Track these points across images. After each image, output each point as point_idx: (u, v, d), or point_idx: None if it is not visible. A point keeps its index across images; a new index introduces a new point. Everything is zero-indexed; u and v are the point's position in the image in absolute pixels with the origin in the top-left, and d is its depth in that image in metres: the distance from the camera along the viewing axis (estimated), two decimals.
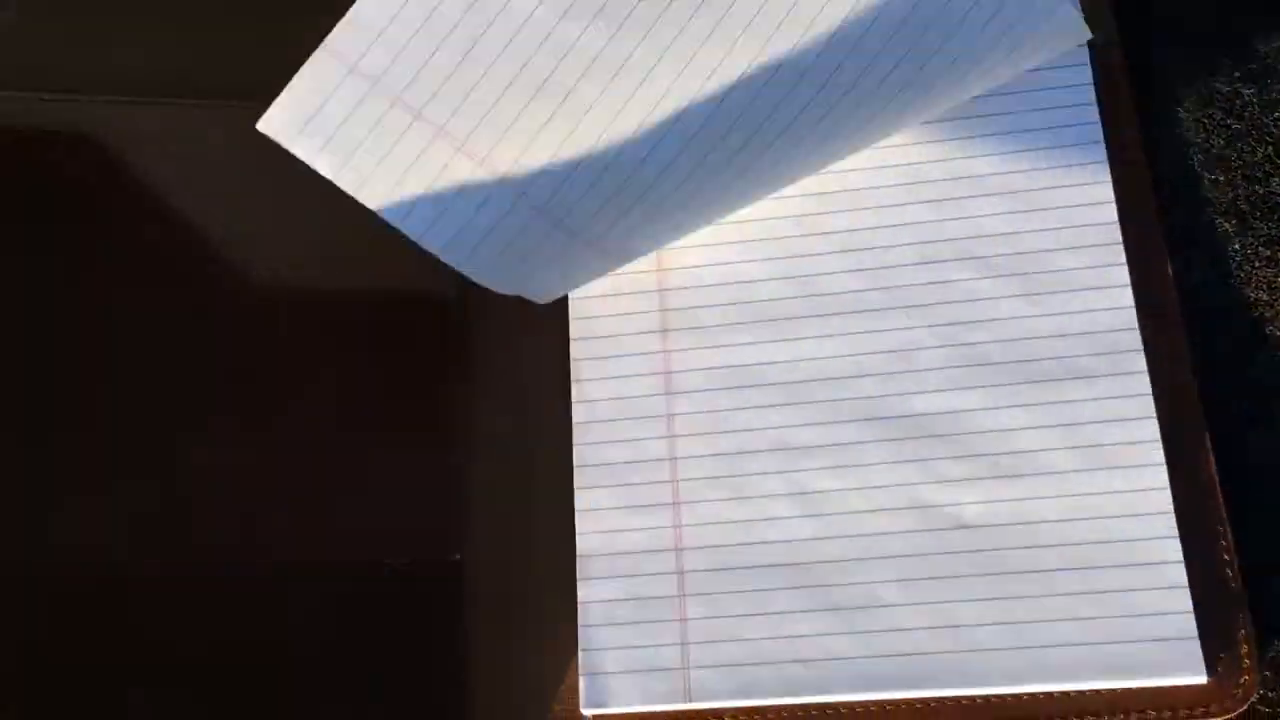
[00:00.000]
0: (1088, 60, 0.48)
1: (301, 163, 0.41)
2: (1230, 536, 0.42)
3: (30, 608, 0.44)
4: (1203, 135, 0.48)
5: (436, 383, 0.47)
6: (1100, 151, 0.47)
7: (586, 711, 0.43)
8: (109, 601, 0.44)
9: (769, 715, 0.42)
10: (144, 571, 0.45)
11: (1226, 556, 0.42)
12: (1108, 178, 0.46)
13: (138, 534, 0.45)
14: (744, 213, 0.48)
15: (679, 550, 0.44)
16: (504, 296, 0.45)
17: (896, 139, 0.48)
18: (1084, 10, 0.48)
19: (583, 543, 0.45)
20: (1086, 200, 0.46)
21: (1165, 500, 0.42)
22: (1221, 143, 0.48)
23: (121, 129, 0.50)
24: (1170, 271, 0.45)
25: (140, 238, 0.49)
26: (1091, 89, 0.47)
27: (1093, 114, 0.47)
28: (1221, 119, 0.48)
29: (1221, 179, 0.47)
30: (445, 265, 0.42)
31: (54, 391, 0.47)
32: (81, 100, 0.51)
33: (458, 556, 0.45)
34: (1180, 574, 0.41)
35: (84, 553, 0.44)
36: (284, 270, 0.49)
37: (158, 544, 0.45)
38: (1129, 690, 0.41)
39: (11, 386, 0.47)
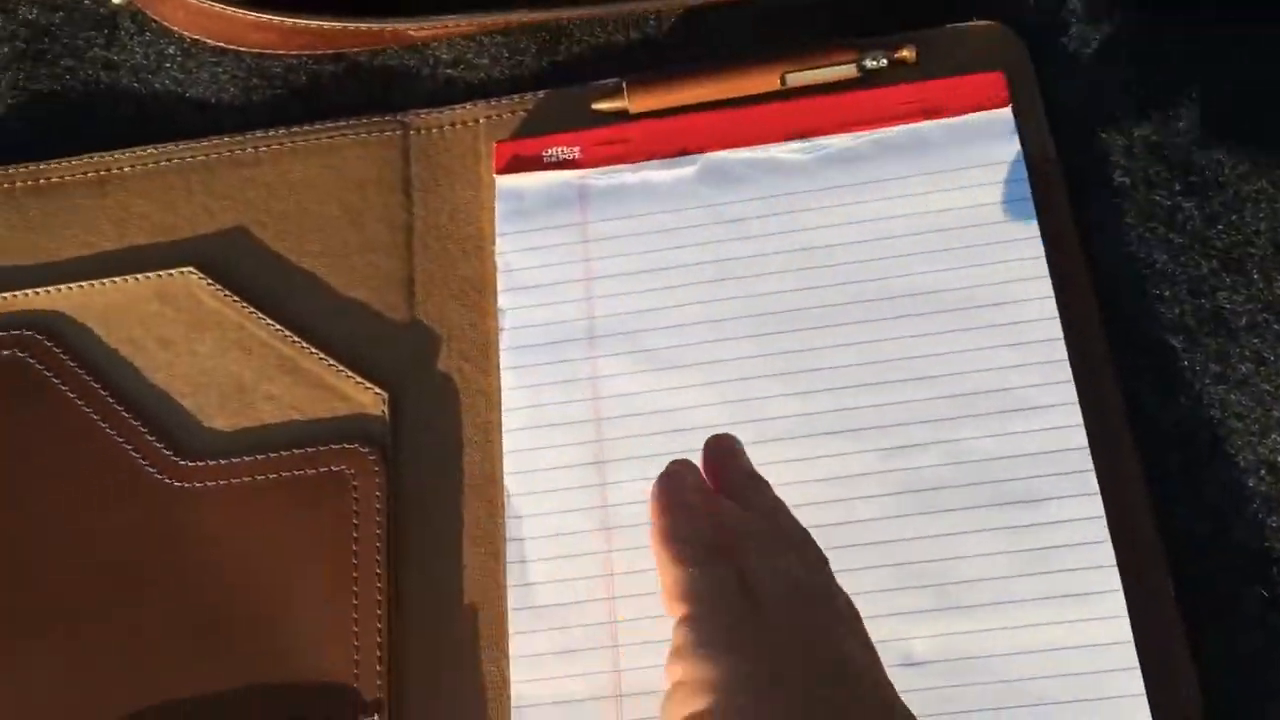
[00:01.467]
0: (1025, 177, 0.47)
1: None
2: (1192, 666, 0.40)
3: None
4: (1145, 250, 0.47)
5: (363, 534, 0.46)
6: (1042, 267, 0.46)
7: None
8: None
9: None
10: None
11: (1186, 691, 0.40)
12: (1050, 293, 0.45)
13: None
14: (685, 340, 0.47)
15: (619, 697, 0.42)
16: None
17: (840, 259, 0.47)
18: (1019, 125, 0.48)
19: (517, 691, 0.42)
20: (1030, 317, 0.45)
21: (1124, 629, 0.40)
22: (1164, 257, 0.47)
23: None
24: (1119, 390, 0.44)
25: None
26: (1031, 204, 0.47)
27: (1033, 229, 0.46)
28: (1164, 233, 0.47)
29: (1167, 294, 0.46)
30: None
31: None
32: None
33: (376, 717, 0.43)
34: (1142, 708, 0.39)
35: None
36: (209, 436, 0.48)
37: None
38: None
39: None
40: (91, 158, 0.54)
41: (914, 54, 0.50)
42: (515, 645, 0.43)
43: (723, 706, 0.32)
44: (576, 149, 0.51)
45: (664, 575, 0.36)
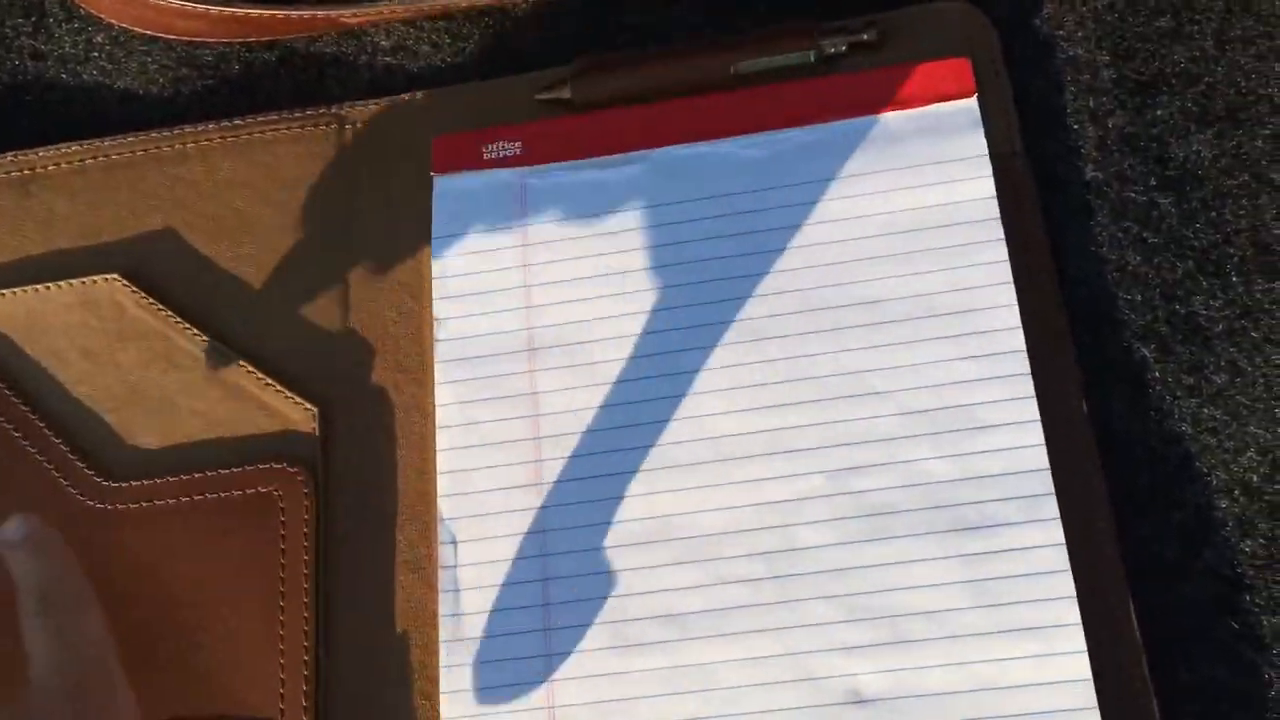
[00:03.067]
0: (989, 174, 0.44)
1: None
2: (1154, 705, 0.38)
3: None
4: (1117, 251, 0.44)
5: (290, 559, 0.43)
6: (1005, 272, 0.43)
7: None
8: None
9: None
10: None
11: None
12: (1013, 301, 0.42)
13: None
14: (628, 352, 0.44)
15: None
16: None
17: (794, 263, 0.44)
18: (985, 116, 0.45)
19: None
20: (991, 327, 0.42)
21: (1083, 666, 0.38)
22: (1137, 258, 0.44)
23: None
24: (1085, 406, 0.41)
25: None
26: (995, 204, 0.44)
27: (997, 230, 0.43)
28: (1137, 232, 0.44)
29: (1139, 299, 0.44)
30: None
31: None
32: None
33: None
34: None
35: None
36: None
37: None
38: None
39: None
40: (14, 156, 0.51)
41: (875, 37, 0.47)
42: (446, 680, 0.41)
43: None
44: (518, 144, 0.48)
45: None
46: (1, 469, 0.46)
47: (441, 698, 0.41)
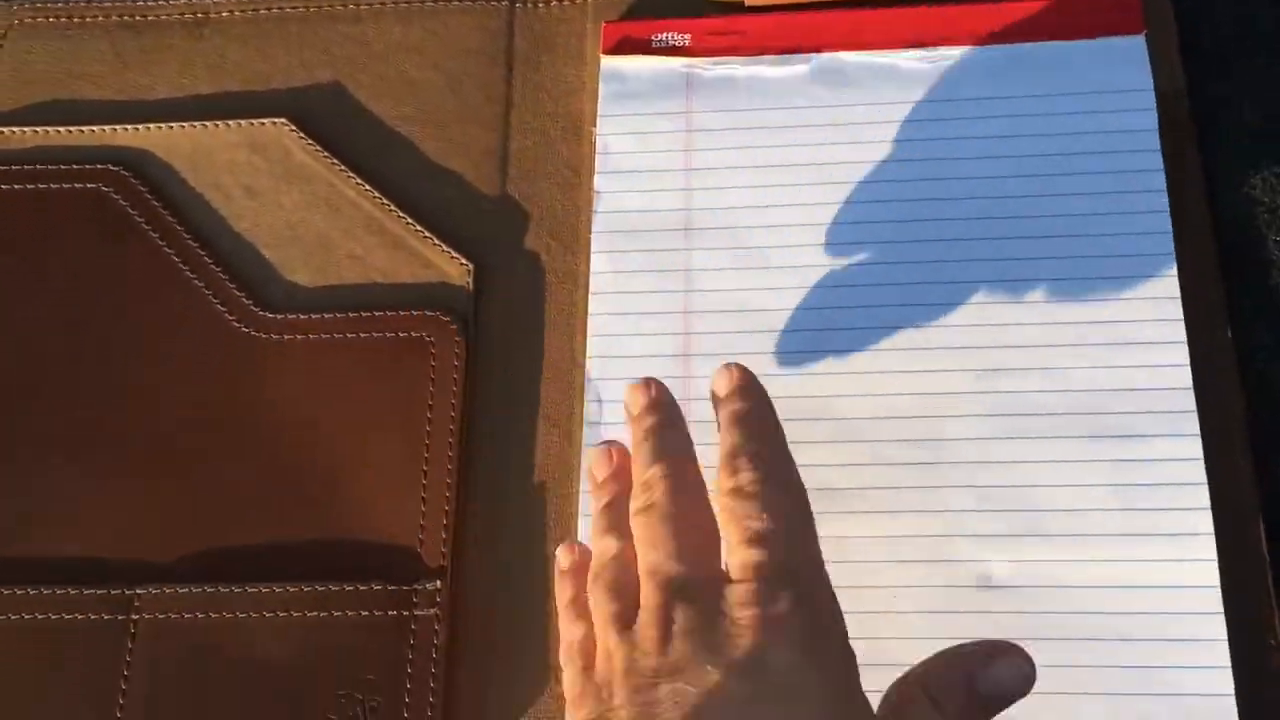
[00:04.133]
0: (1153, 108, 0.45)
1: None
2: (1278, 617, 0.39)
3: None
4: (1270, 196, 0.45)
5: (438, 402, 0.45)
6: (1162, 201, 0.44)
7: None
8: None
9: None
10: None
11: (1273, 641, 0.39)
12: (1169, 229, 0.44)
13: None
14: (784, 240, 0.45)
15: None
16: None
17: (953, 173, 0.46)
18: (1153, 61, 0.46)
19: None
20: (1145, 251, 0.44)
21: (1212, 573, 0.39)
22: None
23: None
24: (1229, 333, 0.43)
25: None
26: (1156, 137, 0.45)
27: (1156, 161, 0.45)
28: None
29: None
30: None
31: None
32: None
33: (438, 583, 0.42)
34: (1223, 653, 0.38)
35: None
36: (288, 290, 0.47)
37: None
38: None
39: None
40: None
41: None
42: (585, 528, 0.42)
43: None
44: (687, 36, 0.49)
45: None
46: (163, 295, 0.47)
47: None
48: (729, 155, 0.47)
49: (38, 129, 0.50)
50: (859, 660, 0.39)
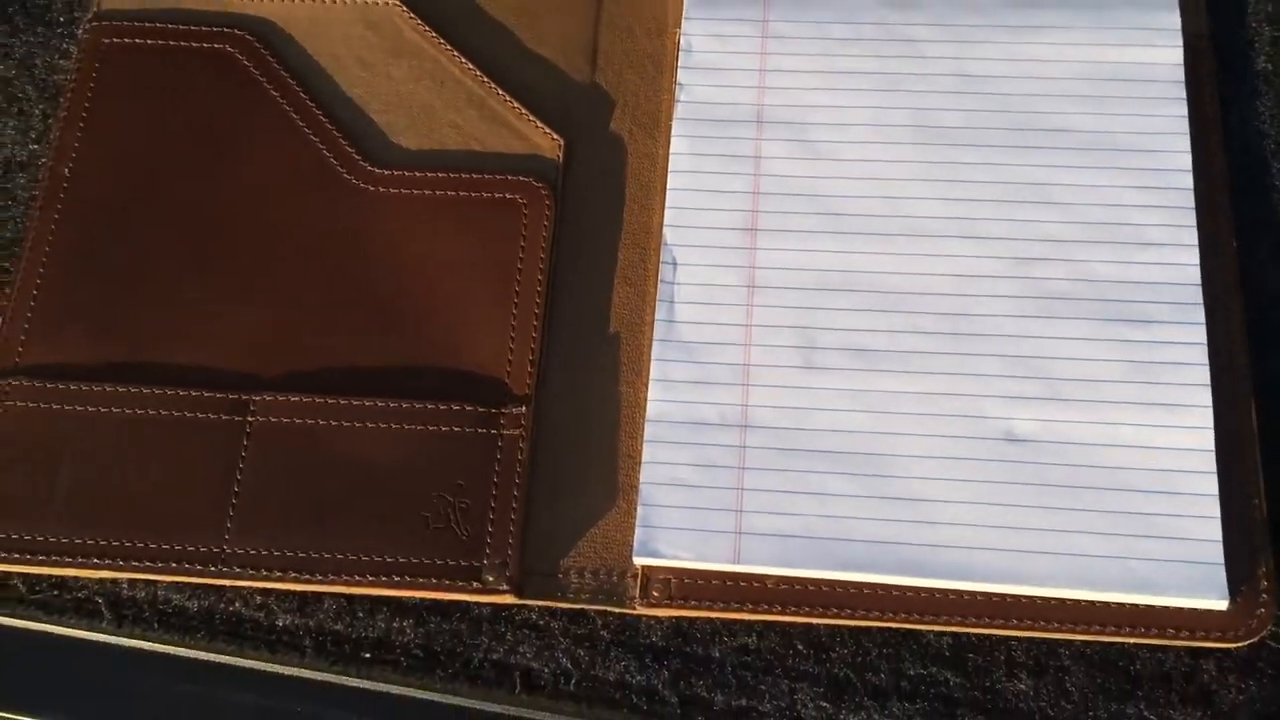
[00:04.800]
0: (1180, 45, 0.51)
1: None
2: (1263, 482, 0.45)
3: None
4: (1276, 129, 0.51)
5: (528, 256, 0.50)
6: (1184, 124, 0.50)
7: (638, 560, 0.45)
8: None
9: (809, 587, 0.45)
10: None
11: (1256, 500, 0.45)
12: (1188, 149, 0.49)
13: None
14: (846, 137, 0.51)
15: (744, 427, 0.47)
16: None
17: (994, 89, 0.51)
18: (1181, 6, 0.52)
19: (654, 408, 0.47)
20: (1165, 166, 0.49)
21: (1208, 439, 0.45)
22: None
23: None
24: (1235, 244, 0.48)
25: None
26: (1182, 69, 0.51)
27: (1180, 90, 0.50)
28: None
29: None
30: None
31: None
32: None
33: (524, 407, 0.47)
34: (1214, 505, 0.44)
35: None
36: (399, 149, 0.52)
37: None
38: (1151, 608, 0.43)
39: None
40: None
41: None
42: (656, 369, 0.48)
43: None
44: None
45: None
46: (282, 146, 0.52)
47: (651, 384, 0.47)
48: (800, 60, 0.52)
49: None
50: (896, 497, 0.45)
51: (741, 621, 0.45)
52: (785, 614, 0.45)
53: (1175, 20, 0.52)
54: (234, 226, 0.51)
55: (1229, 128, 0.51)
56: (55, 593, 0.47)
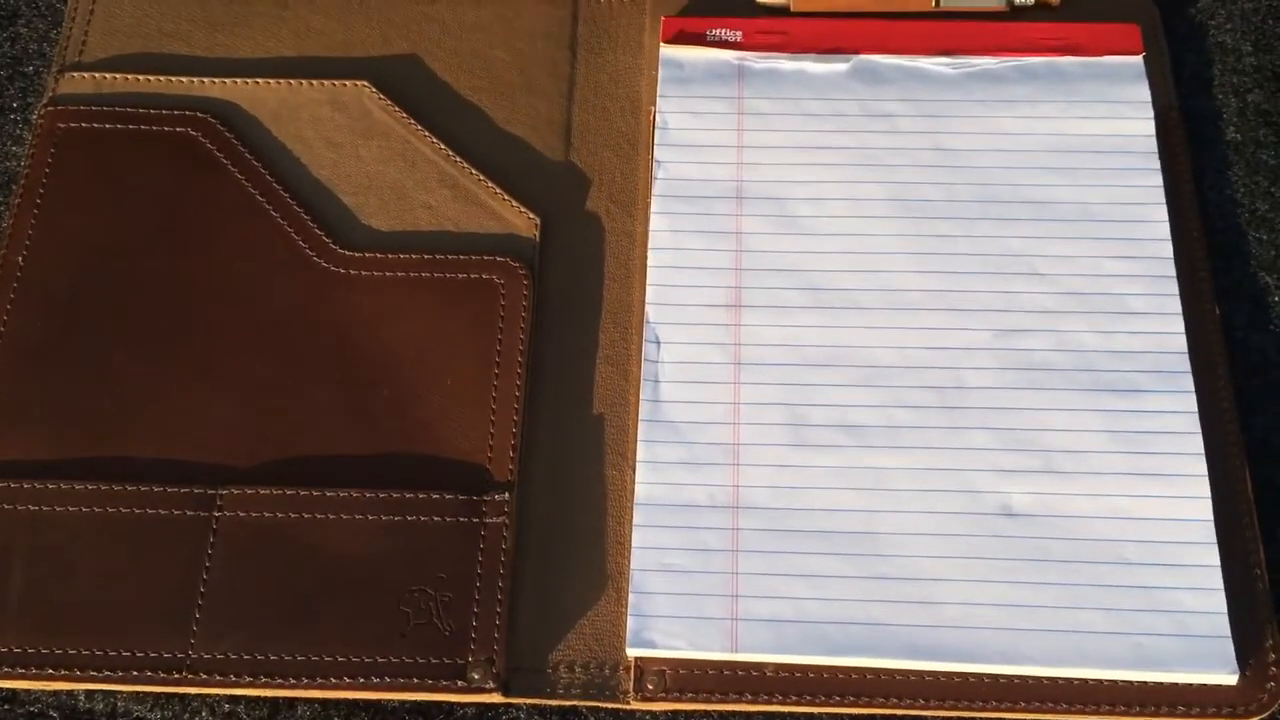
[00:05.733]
0: (1151, 116, 0.52)
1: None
2: (1262, 550, 0.44)
3: None
4: (1249, 199, 0.52)
5: (506, 338, 0.49)
6: (1159, 194, 0.50)
7: (631, 652, 0.43)
8: None
9: (809, 674, 0.43)
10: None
11: (1258, 570, 0.44)
12: (1165, 217, 0.50)
13: None
14: (826, 211, 0.50)
15: (736, 508, 0.45)
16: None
17: (971, 162, 0.51)
18: (1149, 80, 0.52)
19: (642, 491, 0.46)
20: (1144, 236, 0.49)
21: (1206, 509, 0.44)
22: (1265, 207, 0.52)
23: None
24: (1217, 311, 0.48)
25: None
26: (1154, 140, 0.51)
27: (1155, 161, 0.51)
28: (1266, 186, 0.52)
29: (1264, 238, 0.51)
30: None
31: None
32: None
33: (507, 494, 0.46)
34: (1216, 577, 0.43)
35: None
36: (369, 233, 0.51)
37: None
38: (1158, 686, 0.42)
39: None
40: None
41: (1059, 1, 0.55)
42: (643, 451, 0.46)
43: None
44: (739, 33, 0.55)
45: None
46: (249, 229, 0.50)
47: (638, 466, 0.46)
48: (776, 136, 0.52)
49: (129, 75, 0.54)
50: (894, 578, 0.44)
51: (741, 713, 0.43)
52: (786, 703, 0.43)
53: (1145, 93, 0.52)
54: (198, 313, 0.49)
55: (1203, 195, 0.51)
56: (6, 707, 0.44)
